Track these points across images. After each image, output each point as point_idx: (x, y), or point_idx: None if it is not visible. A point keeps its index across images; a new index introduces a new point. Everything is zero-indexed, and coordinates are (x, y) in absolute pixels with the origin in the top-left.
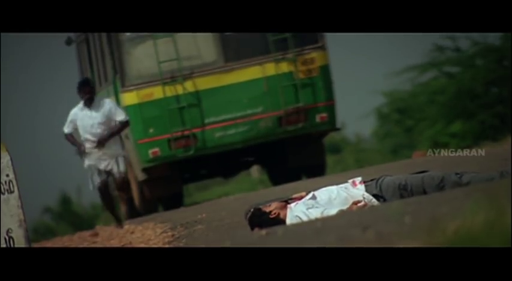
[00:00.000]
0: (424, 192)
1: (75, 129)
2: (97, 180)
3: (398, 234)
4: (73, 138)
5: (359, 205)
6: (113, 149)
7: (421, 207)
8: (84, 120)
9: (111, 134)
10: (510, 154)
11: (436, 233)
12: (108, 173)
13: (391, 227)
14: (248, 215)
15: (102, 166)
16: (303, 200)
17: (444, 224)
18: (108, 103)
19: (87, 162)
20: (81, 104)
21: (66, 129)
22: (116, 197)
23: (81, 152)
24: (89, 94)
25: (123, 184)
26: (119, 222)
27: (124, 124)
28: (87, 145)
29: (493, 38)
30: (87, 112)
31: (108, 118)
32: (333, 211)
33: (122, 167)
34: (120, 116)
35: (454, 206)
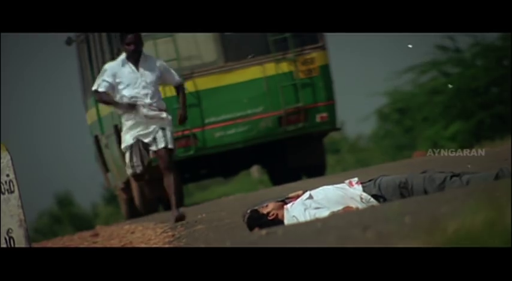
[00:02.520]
0: (425, 192)
1: (112, 87)
2: (138, 162)
3: (398, 234)
4: (110, 98)
5: (348, 209)
6: (162, 117)
7: (421, 207)
8: (129, 78)
9: (184, 104)
10: (510, 154)
11: (436, 233)
12: (148, 149)
13: (391, 227)
14: (246, 218)
15: (147, 140)
16: (299, 200)
17: (444, 224)
18: (159, 60)
19: (128, 140)
20: (121, 58)
21: (101, 88)
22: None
23: (132, 109)
24: (134, 46)
25: (169, 164)
26: (177, 211)
27: (183, 86)
28: (131, 111)
29: (493, 37)
30: (131, 68)
31: (160, 78)
32: (330, 211)
33: (170, 141)
34: (176, 77)
35: (454, 206)
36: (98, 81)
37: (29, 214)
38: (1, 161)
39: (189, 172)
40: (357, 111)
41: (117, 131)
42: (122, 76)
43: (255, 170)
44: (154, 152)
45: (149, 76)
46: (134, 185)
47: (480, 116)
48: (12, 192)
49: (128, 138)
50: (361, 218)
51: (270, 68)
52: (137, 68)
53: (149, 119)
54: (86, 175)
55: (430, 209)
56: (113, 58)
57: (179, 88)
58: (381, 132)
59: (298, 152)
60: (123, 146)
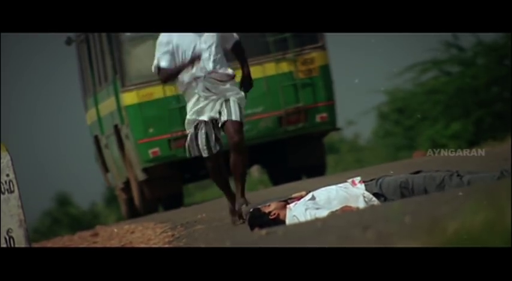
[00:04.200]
0: (425, 191)
1: (173, 56)
2: (213, 142)
3: (398, 234)
4: (172, 69)
5: (347, 209)
6: (230, 86)
7: (421, 207)
8: (187, 41)
9: (245, 61)
10: (510, 154)
11: (436, 233)
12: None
13: (391, 227)
14: (247, 216)
15: (208, 114)
16: (302, 200)
17: (444, 224)
18: None
19: (193, 116)
20: None
21: (162, 62)
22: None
23: (194, 61)
24: None
25: (238, 140)
26: (234, 210)
27: (241, 44)
28: (190, 80)
29: (494, 37)
30: (187, 33)
31: (221, 40)
32: (329, 211)
33: (236, 112)
34: (234, 34)
35: (454, 206)
36: (157, 56)
37: (28, 214)
38: (1, 161)
39: (189, 172)
40: (356, 111)
41: (117, 131)
42: (178, 41)
43: (255, 170)
44: (222, 127)
45: (209, 38)
46: (134, 185)
47: (480, 116)
48: (12, 192)
49: (193, 115)
50: (361, 218)
51: (270, 68)
52: (195, 32)
53: (212, 93)
54: (86, 175)
55: (430, 209)
56: (113, 58)
57: (237, 47)
58: (380, 132)
59: (298, 152)
60: (190, 129)
